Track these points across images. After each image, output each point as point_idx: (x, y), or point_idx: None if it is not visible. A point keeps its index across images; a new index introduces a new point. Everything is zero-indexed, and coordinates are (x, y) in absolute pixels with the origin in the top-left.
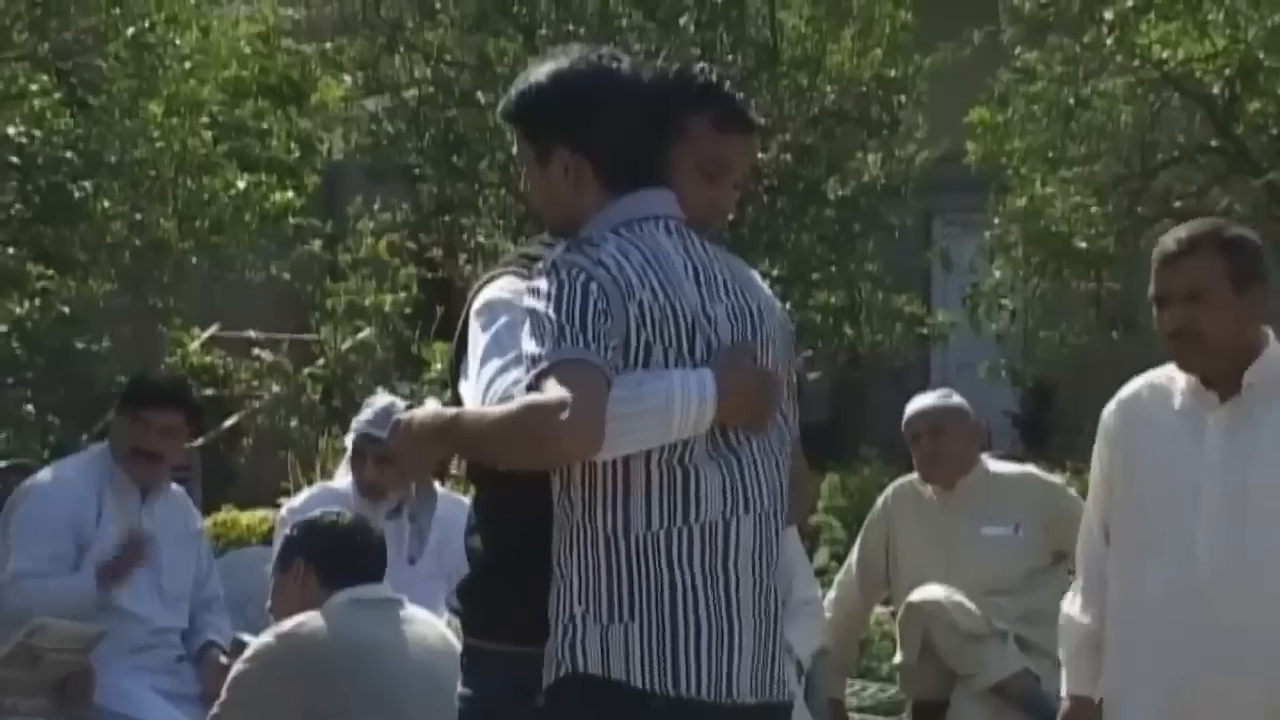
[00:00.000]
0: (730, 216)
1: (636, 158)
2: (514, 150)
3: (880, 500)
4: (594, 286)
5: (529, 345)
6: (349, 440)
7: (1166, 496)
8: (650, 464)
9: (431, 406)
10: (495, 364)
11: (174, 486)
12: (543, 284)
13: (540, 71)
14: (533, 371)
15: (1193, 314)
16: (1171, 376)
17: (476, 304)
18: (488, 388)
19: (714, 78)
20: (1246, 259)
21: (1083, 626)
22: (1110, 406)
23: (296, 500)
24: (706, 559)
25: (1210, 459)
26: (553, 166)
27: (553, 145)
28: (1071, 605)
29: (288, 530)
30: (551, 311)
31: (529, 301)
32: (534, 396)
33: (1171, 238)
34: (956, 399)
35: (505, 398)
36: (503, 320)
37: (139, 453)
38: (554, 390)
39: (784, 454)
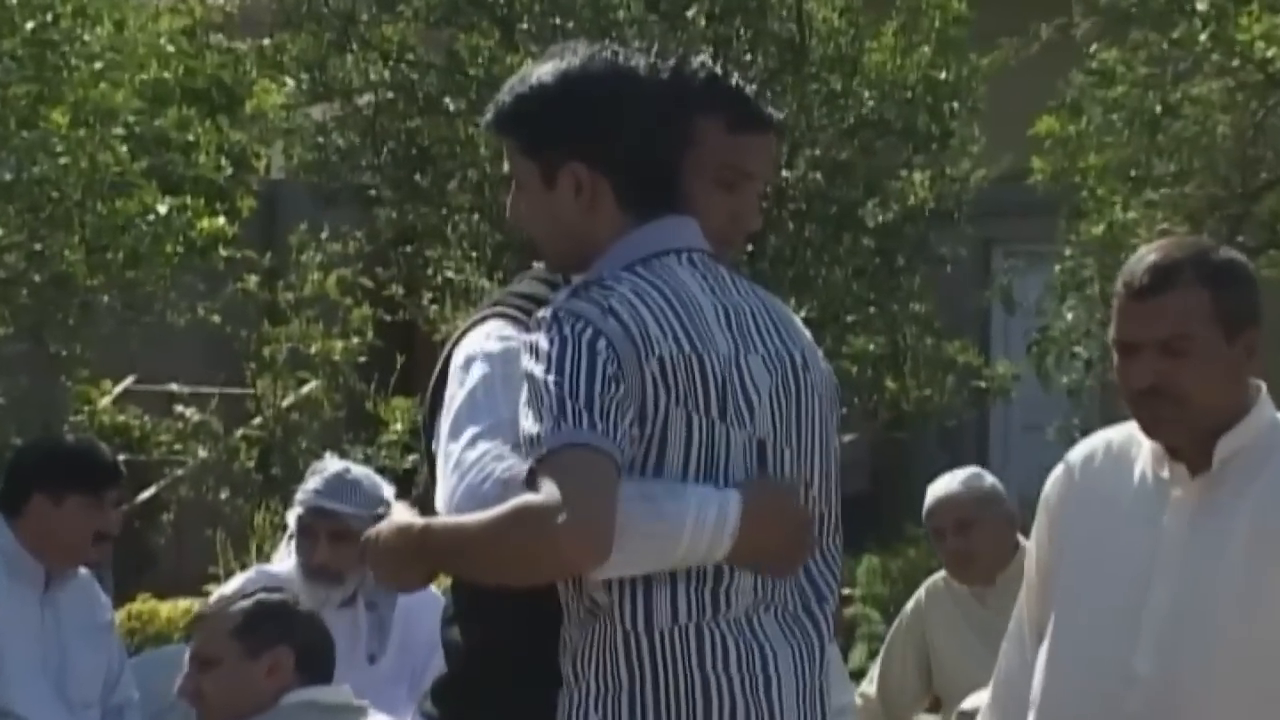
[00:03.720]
0: (755, 228)
1: (661, 176)
2: (489, 168)
3: (911, 604)
4: (602, 345)
5: (526, 423)
6: (292, 515)
7: (1105, 601)
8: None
9: (400, 515)
10: (466, 435)
11: (81, 571)
12: (542, 341)
13: (543, 72)
14: (529, 460)
15: (1172, 368)
16: (1137, 437)
17: (458, 355)
18: (455, 469)
19: (719, 70)
20: (1240, 293)
21: None
22: (1056, 471)
23: (229, 587)
24: (743, 658)
25: (1165, 555)
26: (561, 187)
27: (563, 161)
28: None
29: (247, 603)
30: (552, 381)
31: (526, 363)
32: (523, 500)
33: (1141, 264)
34: (988, 481)
35: (479, 481)
36: (479, 375)
37: (101, 537)
38: (549, 489)
39: (833, 536)
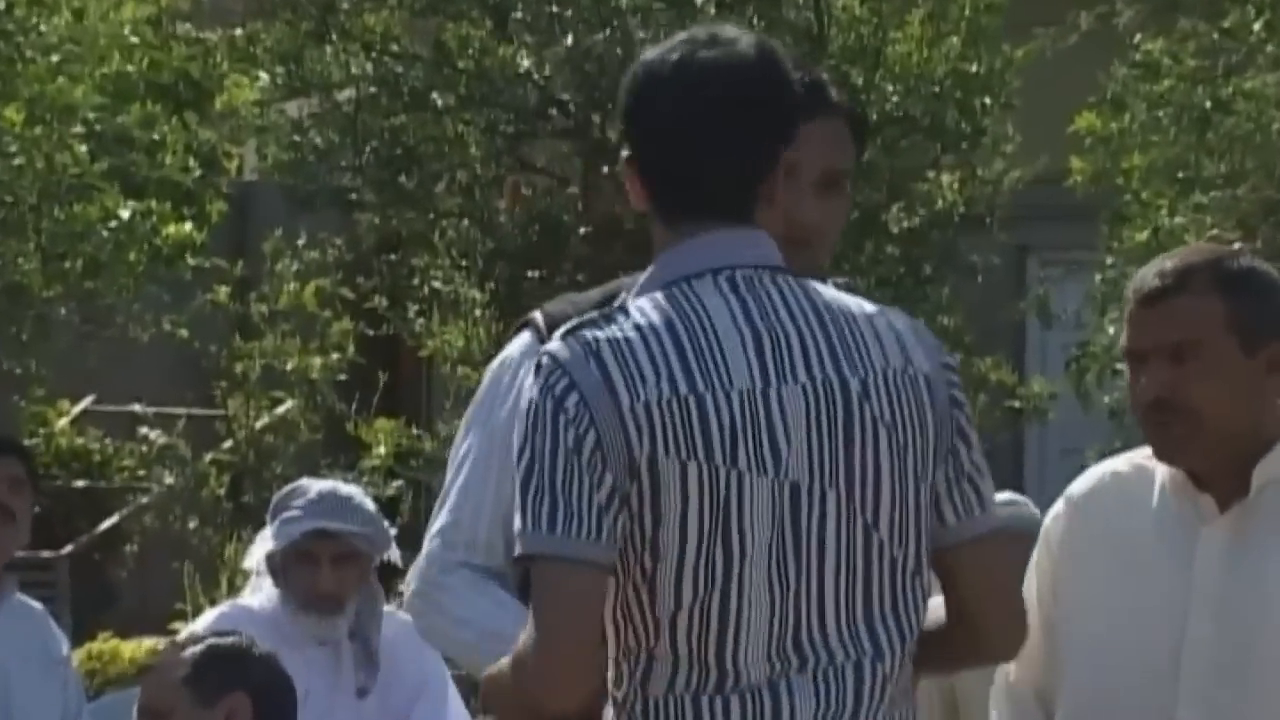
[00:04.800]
0: (809, 221)
1: (698, 183)
2: (479, 169)
3: None
4: (570, 404)
5: (515, 517)
6: (265, 546)
7: (1134, 651)
8: (678, 628)
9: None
10: (435, 524)
11: (31, 604)
12: (525, 399)
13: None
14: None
15: (1179, 377)
16: (1146, 467)
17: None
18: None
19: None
20: (1261, 303)
21: None
22: (1056, 507)
23: (199, 625)
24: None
25: (1203, 595)
26: (629, 186)
27: (628, 160)
28: None
29: (198, 649)
30: (524, 463)
31: (517, 425)
32: (516, 648)
33: (1154, 269)
34: (1027, 512)
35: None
36: (468, 420)
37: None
38: (528, 629)
39: (908, 583)
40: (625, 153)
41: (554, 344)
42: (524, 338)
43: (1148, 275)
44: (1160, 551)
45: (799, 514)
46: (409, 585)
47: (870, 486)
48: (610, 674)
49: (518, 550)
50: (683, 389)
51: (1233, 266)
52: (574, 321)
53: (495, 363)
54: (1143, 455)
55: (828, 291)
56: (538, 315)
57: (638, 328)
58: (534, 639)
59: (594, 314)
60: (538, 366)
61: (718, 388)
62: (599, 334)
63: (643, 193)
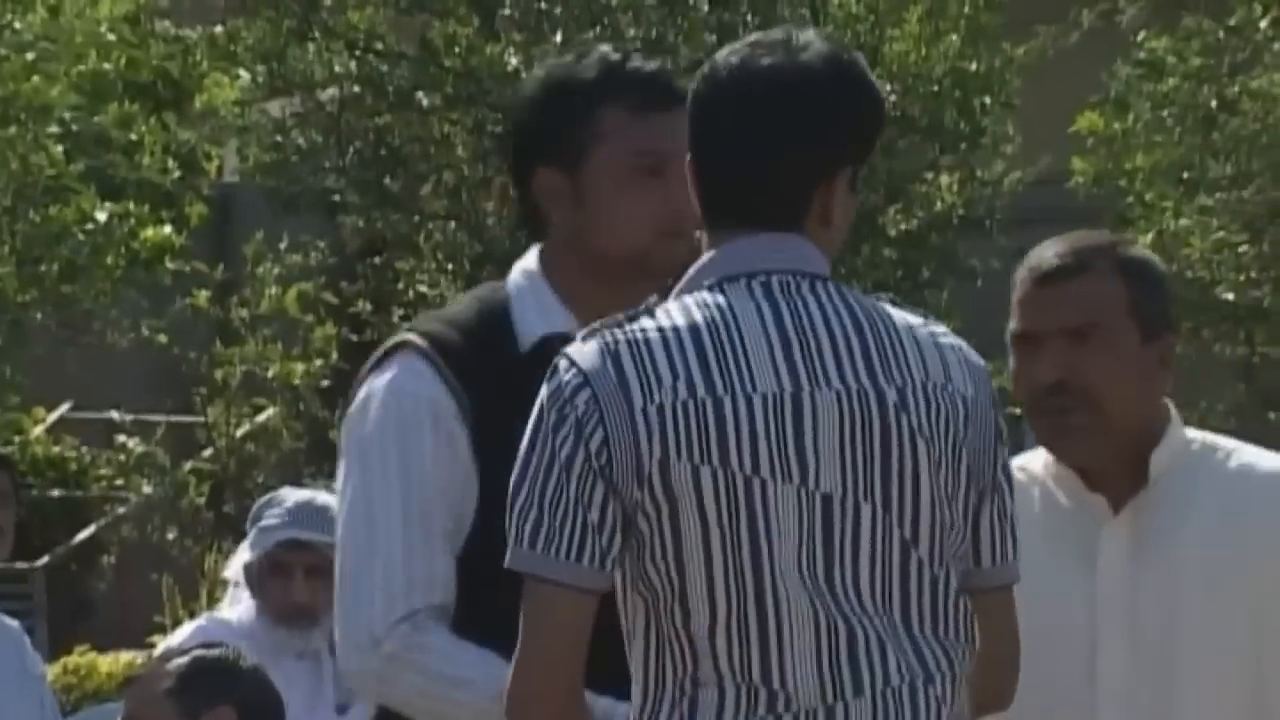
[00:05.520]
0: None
1: (740, 183)
2: (465, 170)
3: None
4: (581, 401)
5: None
6: (245, 556)
7: (1047, 665)
8: (717, 645)
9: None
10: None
11: (7, 621)
12: (541, 393)
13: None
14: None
15: (1080, 359)
16: (1031, 471)
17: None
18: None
19: (613, 54)
20: (1156, 293)
21: None
22: None
23: (176, 638)
24: None
25: (1110, 597)
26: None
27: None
28: None
29: (183, 661)
30: (519, 466)
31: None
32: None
33: (1050, 250)
34: None
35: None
36: (362, 457)
37: None
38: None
39: (950, 603)
40: (688, 155)
41: (574, 345)
42: (414, 364)
43: (1044, 256)
44: (1058, 559)
45: (830, 526)
46: (355, 655)
47: (909, 501)
48: (647, 714)
49: (506, 561)
50: (700, 392)
51: (1132, 252)
52: (596, 324)
53: (380, 391)
54: (1030, 460)
55: (868, 300)
56: (415, 338)
57: (660, 330)
58: (514, 663)
59: (618, 315)
60: (554, 368)
61: (738, 391)
62: (619, 334)
63: (698, 199)
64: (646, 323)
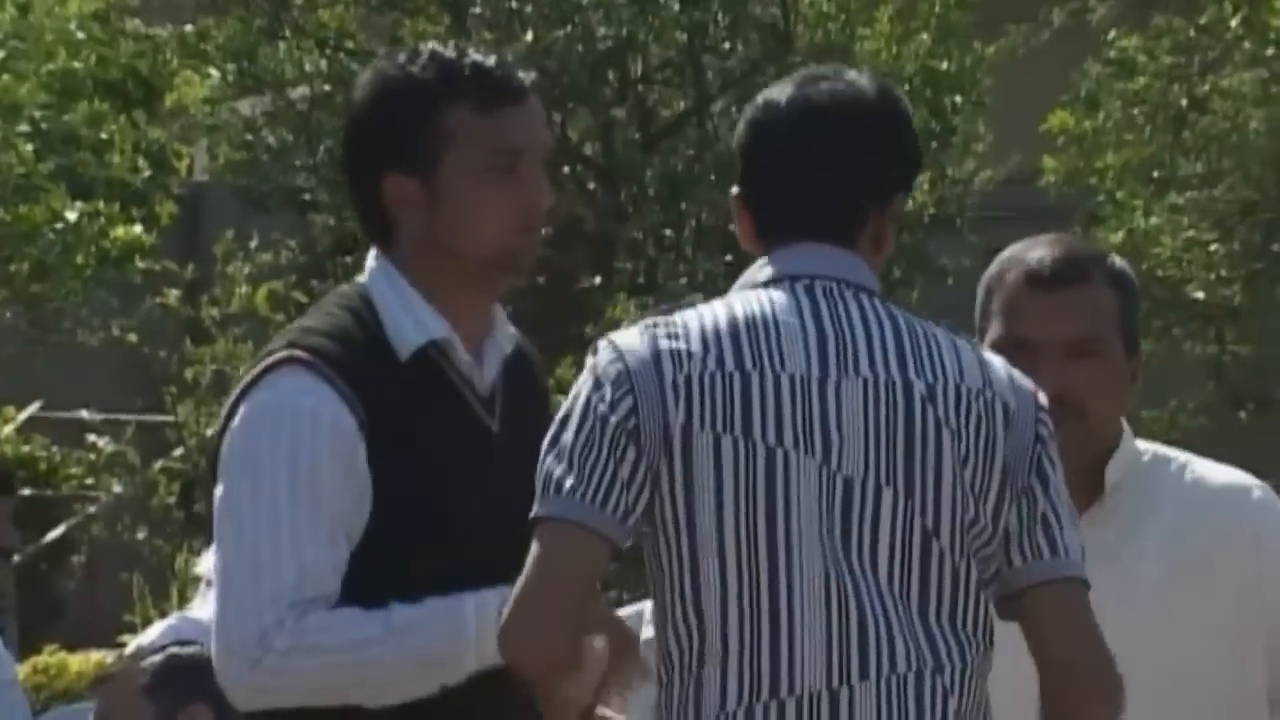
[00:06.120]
0: (550, 204)
1: (797, 203)
2: None
3: None
4: (614, 371)
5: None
6: (212, 552)
7: (1005, 678)
8: (728, 619)
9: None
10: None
11: None
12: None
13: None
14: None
15: (1078, 375)
16: None
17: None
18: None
19: (448, 51)
20: (1137, 306)
21: None
22: None
23: (147, 637)
24: None
25: None
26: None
27: (737, 199)
28: None
29: (157, 659)
30: (555, 431)
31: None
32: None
33: (1043, 252)
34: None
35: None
36: (248, 468)
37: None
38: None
39: (970, 595)
40: (735, 190)
41: (630, 326)
42: (301, 378)
43: (1038, 257)
44: None
45: (850, 509)
46: (244, 663)
47: (931, 490)
48: (661, 699)
49: (533, 511)
50: (729, 366)
51: (1119, 264)
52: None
53: (269, 407)
54: None
55: (915, 316)
56: (299, 352)
57: (699, 316)
58: (514, 592)
59: (664, 307)
60: (594, 348)
61: (767, 369)
62: (660, 319)
63: (750, 228)
64: (689, 313)
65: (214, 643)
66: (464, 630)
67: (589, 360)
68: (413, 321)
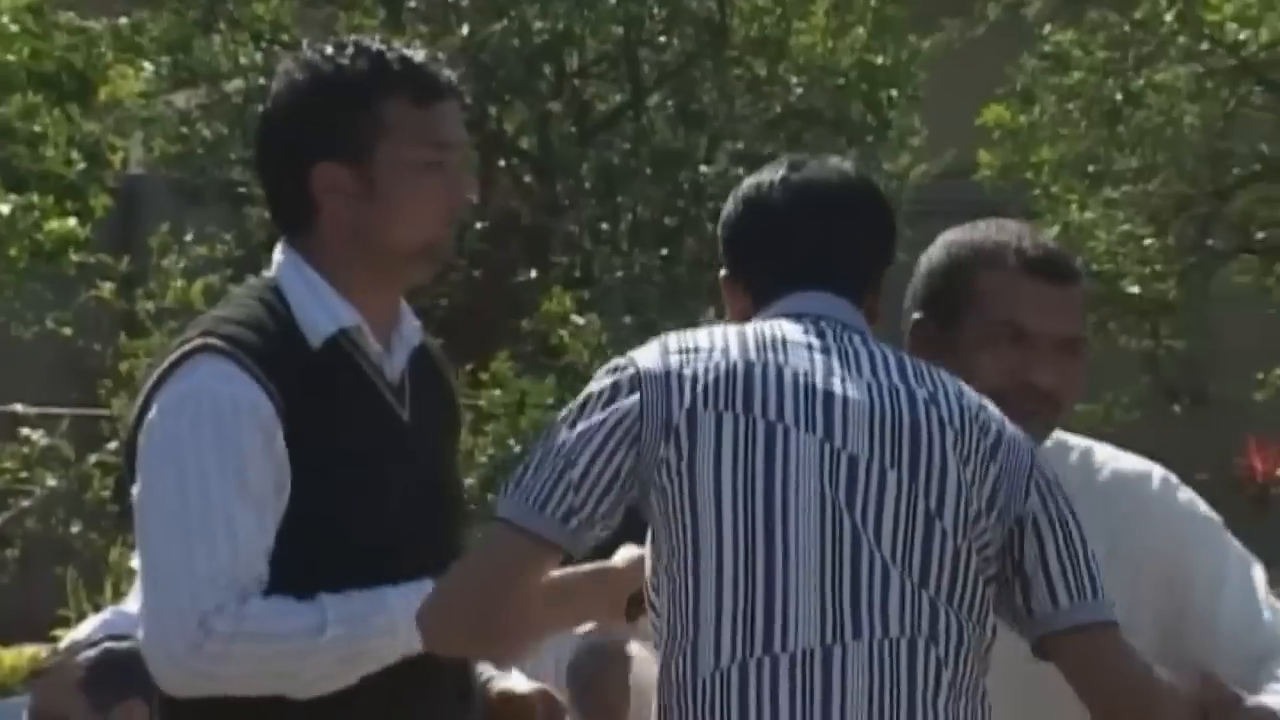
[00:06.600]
0: (474, 194)
1: (797, 271)
2: None
3: None
4: (625, 377)
5: None
6: None
7: None
8: (723, 580)
9: None
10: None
11: None
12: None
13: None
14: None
15: (1069, 372)
16: None
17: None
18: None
19: (379, 46)
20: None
21: None
22: None
23: (81, 631)
24: (797, 701)
25: None
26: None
27: (726, 281)
28: None
29: (93, 654)
30: (551, 430)
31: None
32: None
33: (1040, 243)
34: None
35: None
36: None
37: None
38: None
39: (971, 577)
40: (723, 272)
41: (658, 341)
42: (219, 365)
43: (1041, 245)
44: None
45: (855, 482)
46: (187, 642)
47: (936, 478)
48: (660, 677)
49: (497, 510)
50: (734, 357)
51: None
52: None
53: (189, 395)
54: None
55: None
56: (214, 340)
57: (710, 330)
58: (440, 591)
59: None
60: (612, 365)
61: (770, 362)
62: (674, 333)
63: (744, 304)
64: (700, 330)
65: (144, 630)
66: (394, 625)
67: (602, 369)
68: (323, 310)
